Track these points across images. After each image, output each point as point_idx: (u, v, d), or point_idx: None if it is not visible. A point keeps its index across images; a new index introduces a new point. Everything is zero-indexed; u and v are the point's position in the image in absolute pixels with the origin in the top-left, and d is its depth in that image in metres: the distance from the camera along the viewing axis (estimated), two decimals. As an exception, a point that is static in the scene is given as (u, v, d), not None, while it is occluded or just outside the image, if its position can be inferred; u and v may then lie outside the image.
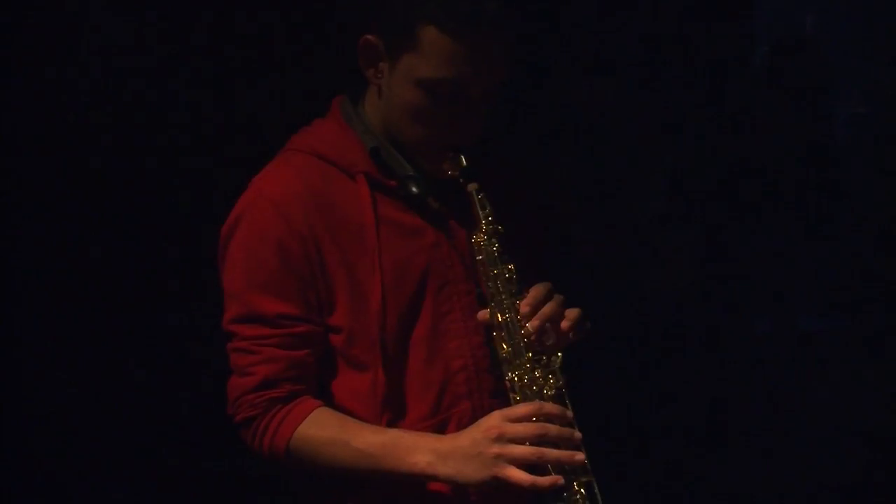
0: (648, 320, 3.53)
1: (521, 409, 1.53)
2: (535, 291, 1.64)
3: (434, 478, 1.55)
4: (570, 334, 1.64)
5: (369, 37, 1.64)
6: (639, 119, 3.67)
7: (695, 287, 3.68)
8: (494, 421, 1.52)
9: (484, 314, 1.64)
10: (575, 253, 3.18)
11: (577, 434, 1.52)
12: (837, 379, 4.24)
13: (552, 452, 1.49)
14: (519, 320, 1.61)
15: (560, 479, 1.48)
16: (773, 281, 4.10)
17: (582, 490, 1.50)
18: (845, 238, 4.51)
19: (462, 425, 1.67)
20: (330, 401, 1.69)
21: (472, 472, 1.50)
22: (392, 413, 1.67)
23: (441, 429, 1.67)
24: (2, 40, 2.34)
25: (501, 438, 1.49)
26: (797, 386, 4.10)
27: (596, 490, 1.52)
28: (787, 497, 3.38)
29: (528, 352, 1.59)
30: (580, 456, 1.50)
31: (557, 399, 1.57)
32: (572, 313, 1.65)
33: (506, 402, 1.65)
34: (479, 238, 1.66)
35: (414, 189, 1.68)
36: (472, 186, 1.66)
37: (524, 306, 1.61)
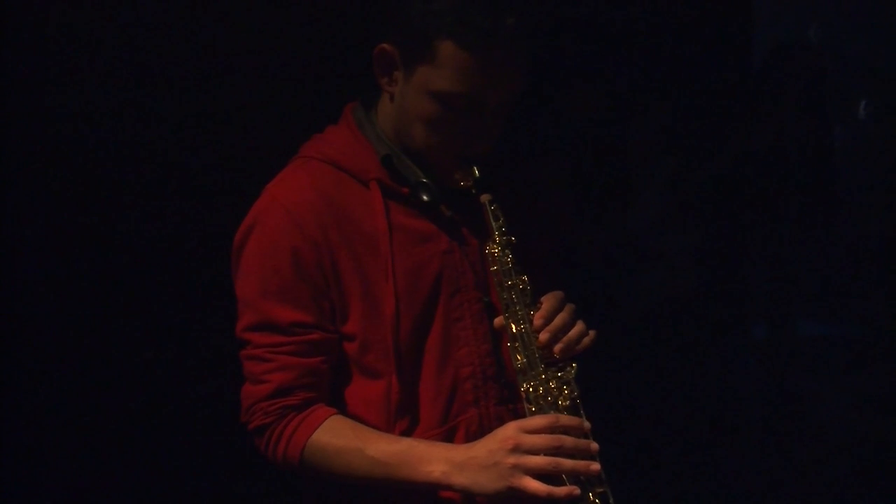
0: (645, 326, 3.54)
1: (537, 420, 1.54)
2: (548, 303, 1.65)
3: (449, 487, 1.56)
4: (581, 344, 1.65)
5: (385, 46, 1.64)
6: (635, 123, 3.67)
7: (693, 292, 3.69)
8: (510, 432, 1.52)
9: (500, 321, 1.65)
10: (577, 260, 3.19)
11: (594, 445, 1.53)
12: (836, 384, 4.26)
13: (568, 463, 1.49)
14: (533, 331, 1.62)
15: (576, 490, 1.49)
16: (771, 286, 4.11)
17: (597, 500, 1.51)
18: (844, 243, 4.52)
19: (469, 432, 1.68)
20: (342, 408, 1.70)
21: (487, 482, 1.51)
22: (405, 420, 1.68)
23: (450, 436, 1.69)
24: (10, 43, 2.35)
25: (518, 449, 1.50)
26: (796, 391, 4.11)
27: (610, 500, 1.53)
28: (787, 497, 3.39)
29: (542, 363, 1.60)
30: (596, 466, 1.51)
31: (572, 409, 1.58)
32: (580, 325, 1.66)
33: (511, 410, 1.69)
34: (493, 249, 1.67)
35: (425, 197, 1.69)
36: (485, 197, 1.67)
37: (537, 318, 1.62)
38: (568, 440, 1.51)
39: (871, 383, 4.12)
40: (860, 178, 4.63)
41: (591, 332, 1.66)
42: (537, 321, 1.62)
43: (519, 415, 1.65)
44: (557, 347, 1.60)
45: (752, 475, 3.43)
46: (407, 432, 1.67)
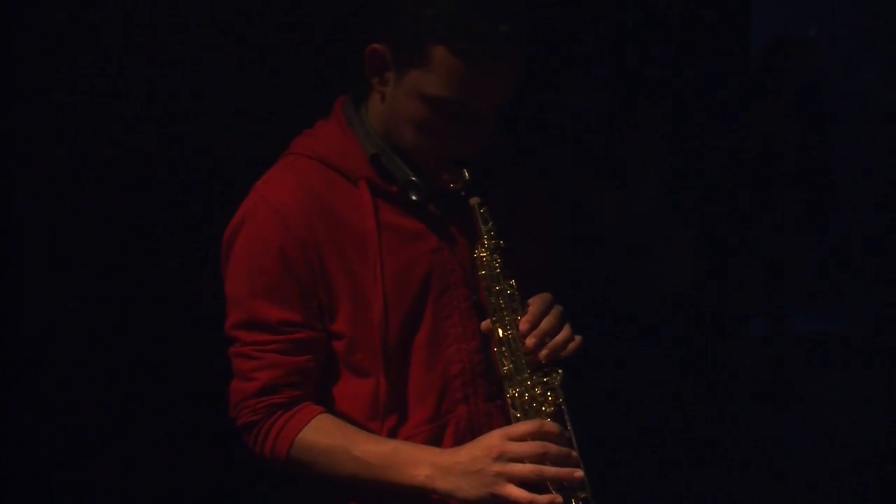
0: (643, 322, 3.54)
1: (522, 427, 1.54)
2: (534, 306, 1.64)
3: (433, 492, 1.56)
4: (567, 349, 1.64)
5: (377, 46, 1.62)
6: (633, 119, 3.67)
7: (691, 288, 3.69)
8: (495, 440, 1.53)
9: (487, 324, 1.65)
10: (570, 256, 3.19)
11: (574, 453, 1.53)
12: (833, 380, 4.27)
13: (551, 470, 1.50)
14: (520, 336, 1.62)
15: (558, 497, 1.49)
16: (768, 281, 4.11)
17: (580, 507, 1.52)
18: (841, 240, 4.52)
19: (459, 429, 1.69)
20: (331, 406, 1.70)
21: (470, 488, 1.52)
22: (394, 419, 1.68)
23: (439, 433, 1.69)
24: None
25: (502, 457, 1.50)
26: (793, 387, 4.11)
27: (592, 506, 1.53)
28: (785, 498, 3.40)
29: (528, 368, 1.60)
30: (579, 473, 1.51)
31: (557, 416, 1.58)
32: (567, 330, 1.65)
33: (500, 406, 1.69)
34: (481, 253, 1.66)
35: (414, 196, 1.69)
36: (474, 200, 1.66)
37: (523, 322, 1.62)
38: (552, 448, 1.51)
39: (868, 378, 4.13)
40: (856, 173, 4.63)
41: (577, 338, 1.65)
42: (523, 326, 1.62)
43: (507, 412, 1.64)
44: (542, 353, 1.60)
45: (745, 472, 3.44)
46: (395, 430, 1.67)
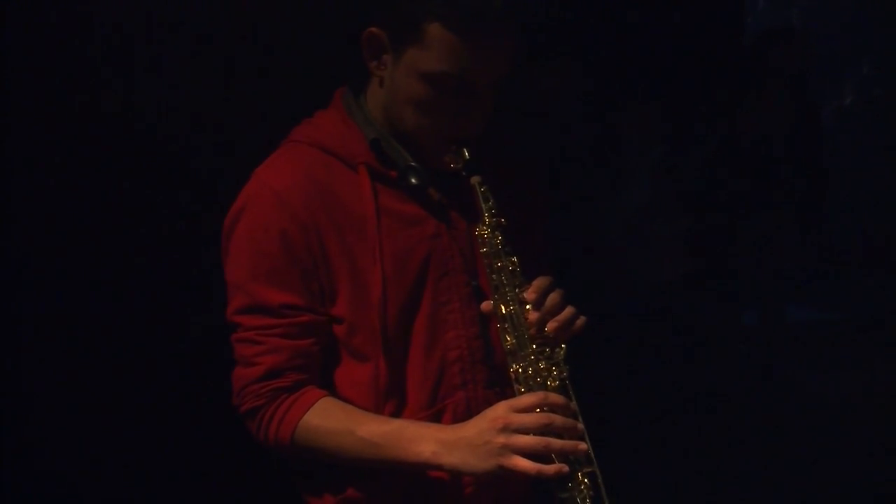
0: (635, 312, 3.55)
1: (527, 399, 1.55)
2: (538, 284, 1.65)
3: (439, 467, 1.56)
4: (571, 327, 1.65)
5: (373, 29, 1.64)
6: (626, 109, 3.69)
7: (682, 278, 3.70)
8: (500, 411, 1.53)
9: (488, 304, 1.65)
10: (563, 245, 3.19)
11: (580, 425, 1.54)
12: (825, 370, 4.27)
13: (557, 443, 1.50)
14: (523, 313, 1.62)
15: (565, 468, 1.50)
16: (761, 272, 4.12)
17: (585, 480, 1.52)
18: (832, 228, 4.54)
19: (457, 415, 1.69)
20: (332, 390, 1.70)
21: (477, 461, 1.52)
22: (393, 403, 1.68)
23: (436, 419, 1.69)
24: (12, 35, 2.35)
25: (507, 428, 1.51)
26: (785, 377, 4.12)
27: (599, 480, 1.54)
28: (778, 483, 3.40)
29: (532, 344, 1.61)
30: (583, 446, 1.52)
31: (561, 390, 1.58)
32: (571, 308, 1.66)
33: (499, 394, 1.69)
34: (483, 230, 1.67)
35: (414, 180, 1.69)
36: (475, 179, 1.67)
37: (529, 293, 1.63)
38: (557, 419, 1.52)
39: (862, 368, 4.14)
40: (849, 163, 4.65)
41: (582, 318, 1.66)
42: (529, 295, 1.62)
43: (507, 398, 1.64)
44: (550, 326, 1.61)
45: (740, 459, 3.45)
46: (395, 415, 1.68)
